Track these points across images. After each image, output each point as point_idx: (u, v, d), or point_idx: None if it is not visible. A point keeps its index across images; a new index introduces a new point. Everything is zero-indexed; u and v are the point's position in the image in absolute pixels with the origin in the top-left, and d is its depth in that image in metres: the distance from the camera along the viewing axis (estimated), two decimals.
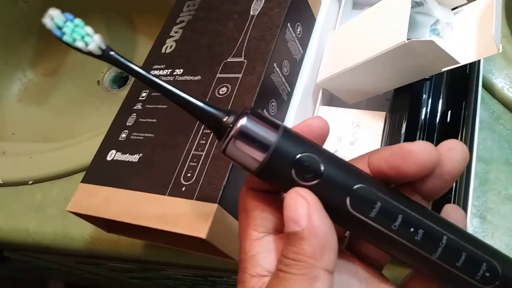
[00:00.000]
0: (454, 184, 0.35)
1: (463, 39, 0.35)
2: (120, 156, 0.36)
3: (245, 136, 0.19)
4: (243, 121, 0.19)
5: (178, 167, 0.33)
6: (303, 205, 0.18)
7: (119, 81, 0.76)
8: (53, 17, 0.21)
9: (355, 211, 0.19)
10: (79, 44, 0.21)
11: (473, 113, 0.37)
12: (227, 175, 0.31)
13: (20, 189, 0.50)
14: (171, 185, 0.33)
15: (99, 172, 0.37)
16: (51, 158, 0.51)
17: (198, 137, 0.34)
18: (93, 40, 0.21)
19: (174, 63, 0.40)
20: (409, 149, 0.19)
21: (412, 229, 0.19)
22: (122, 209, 0.33)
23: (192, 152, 0.34)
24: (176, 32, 0.43)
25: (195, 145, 0.34)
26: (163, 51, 0.42)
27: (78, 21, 0.21)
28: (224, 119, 0.20)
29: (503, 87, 0.44)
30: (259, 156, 0.19)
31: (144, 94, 0.40)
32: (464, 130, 0.36)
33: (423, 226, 0.19)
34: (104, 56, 0.21)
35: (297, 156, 0.19)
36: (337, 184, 0.19)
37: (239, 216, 0.22)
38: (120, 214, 0.33)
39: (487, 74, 0.43)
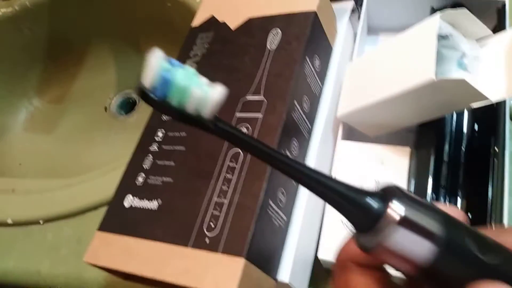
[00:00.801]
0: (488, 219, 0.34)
1: (491, 73, 0.34)
2: (138, 203, 0.35)
3: (409, 224, 0.16)
4: (400, 206, 0.16)
5: (200, 215, 0.32)
6: None
7: (126, 106, 0.74)
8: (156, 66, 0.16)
9: None
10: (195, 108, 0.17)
11: (502, 149, 0.35)
12: (253, 226, 0.30)
13: (30, 229, 0.49)
14: (194, 235, 0.31)
15: (116, 220, 0.35)
16: (62, 196, 0.49)
17: (220, 182, 0.33)
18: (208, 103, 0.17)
19: None
20: None
21: None
22: (143, 261, 0.32)
23: (214, 199, 0.32)
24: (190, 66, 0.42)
25: (217, 191, 0.32)
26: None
27: (190, 70, 0.17)
28: (371, 204, 0.16)
29: None
30: (429, 247, 0.15)
31: (160, 134, 0.38)
32: (494, 168, 0.35)
33: None
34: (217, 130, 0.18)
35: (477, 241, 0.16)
36: None
37: None
38: (141, 267, 0.31)
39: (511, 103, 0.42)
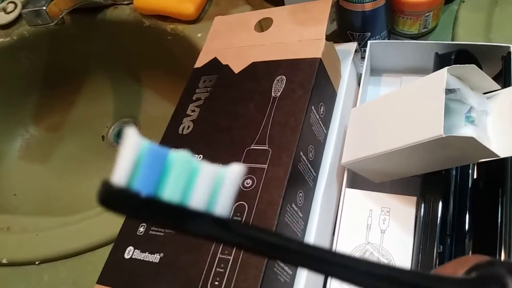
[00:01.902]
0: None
1: (499, 128, 0.34)
2: (139, 255, 0.34)
3: None
4: None
5: (204, 272, 0.31)
6: None
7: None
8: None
9: None
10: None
11: (510, 199, 0.35)
12: (259, 287, 0.29)
13: (26, 270, 0.47)
14: None
15: (116, 272, 0.34)
16: (59, 236, 0.48)
17: None
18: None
19: (193, 147, 0.38)
20: None
21: None
22: None
23: (218, 256, 0.31)
24: (193, 111, 0.41)
25: (221, 247, 0.32)
26: (180, 131, 0.40)
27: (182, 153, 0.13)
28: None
29: None
30: None
31: None
32: (504, 219, 0.34)
33: None
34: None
35: None
36: None
37: None
38: None
39: None
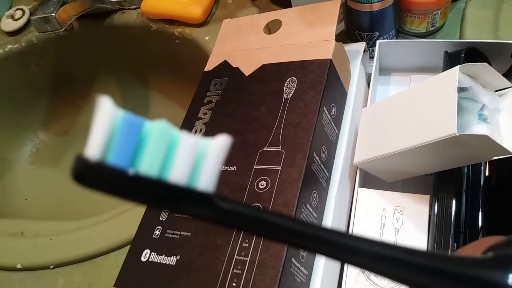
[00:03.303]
0: None
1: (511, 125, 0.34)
2: (155, 257, 0.34)
3: None
4: None
5: (221, 274, 0.31)
6: None
7: None
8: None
9: None
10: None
11: None
12: (277, 287, 0.29)
13: (40, 274, 0.48)
14: None
15: (133, 275, 0.34)
16: (73, 240, 0.48)
17: (240, 238, 0.32)
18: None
19: None
20: None
21: None
22: None
23: (235, 257, 0.32)
24: (205, 114, 0.41)
25: (237, 248, 0.32)
26: (192, 132, 0.41)
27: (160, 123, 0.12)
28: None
29: None
30: None
31: None
32: None
33: None
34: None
35: None
36: None
37: None
38: None
39: None
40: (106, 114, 0.12)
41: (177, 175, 0.12)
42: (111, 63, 0.71)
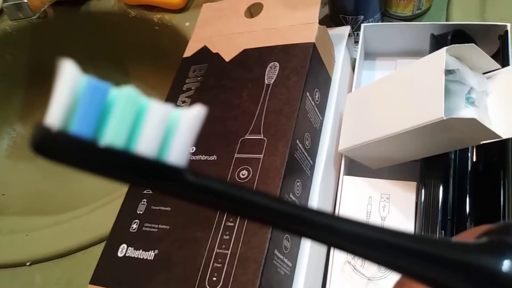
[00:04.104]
0: None
1: (500, 108, 0.33)
2: (133, 252, 0.33)
3: None
4: None
5: (201, 268, 0.30)
6: None
7: None
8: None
9: None
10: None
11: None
12: (259, 281, 0.28)
13: (17, 271, 0.46)
14: None
15: (110, 271, 0.33)
16: (50, 236, 0.47)
17: (221, 231, 0.31)
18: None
19: None
20: None
21: None
22: None
23: (215, 250, 0.30)
24: (183, 102, 0.40)
25: (218, 241, 0.31)
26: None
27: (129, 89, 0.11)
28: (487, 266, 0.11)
29: None
30: None
31: None
32: (506, 202, 0.34)
33: None
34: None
35: None
36: None
37: None
38: None
39: None
40: (68, 79, 0.11)
41: (145, 146, 0.11)
42: (88, 52, 0.69)
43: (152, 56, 0.64)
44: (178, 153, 0.12)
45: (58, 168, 0.49)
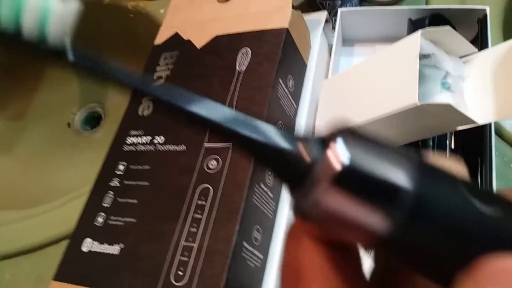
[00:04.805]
0: None
1: (477, 93, 0.32)
2: (97, 247, 0.32)
3: (357, 174, 0.10)
4: (344, 151, 0.11)
5: (167, 262, 0.29)
6: None
7: (91, 122, 0.70)
8: None
9: None
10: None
11: (490, 168, 0.33)
12: (226, 274, 0.27)
13: None
14: (159, 286, 0.28)
15: (74, 267, 0.32)
16: (21, 230, 0.45)
17: (188, 223, 0.30)
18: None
19: (154, 129, 0.36)
20: None
21: None
22: None
23: (181, 243, 0.29)
24: None
25: (184, 234, 0.29)
26: (139, 113, 0.37)
27: None
28: (301, 151, 0.11)
29: None
30: (389, 212, 0.10)
31: (121, 167, 0.35)
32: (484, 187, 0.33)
33: None
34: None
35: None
36: None
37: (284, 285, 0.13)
38: None
39: None
40: None
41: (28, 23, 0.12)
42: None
43: (127, 46, 0.62)
44: (55, 36, 0.13)
45: (33, 160, 0.47)
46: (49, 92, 0.72)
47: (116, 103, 0.69)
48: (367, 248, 0.12)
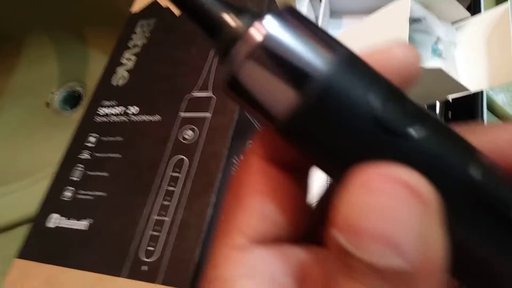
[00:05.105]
0: None
1: (469, 60, 0.30)
2: (64, 222, 0.29)
3: (270, 54, 0.10)
4: (271, 25, 0.10)
5: (137, 238, 0.27)
6: (412, 209, 0.08)
7: (71, 101, 0.68)
8: None
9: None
10: None
11: None
12: (199, 249, 0.25)
13: None
14: (128, 262, 0.26)
15: (39, 244, 0.29)
16: None
17: (161, 196, 0.28)
18: None
19: (128, 99, 0.33)
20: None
21: None
22: None
23: (153, 217, 0.27)
24: (128, 59, 0.36)
25: (156, 207, 0.27)
26: (113, 83, 0.35)
27: None
28: (229, 20, 0.11)
29: (504, 103, 0.39)
30: (295, 94, 0.10)
31: (92, 139, 0.33)
32: None
33: None
34: None
35: (376, 96, 0.10)
36: (452, 154, 0.10)
37: (224, 205, 0.13)
38: None
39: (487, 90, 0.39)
40: None
41: None
42: (41, 17, 0.64)
43: (109, 21, 0.60)
44: None
45: (10, 141, 0.45)
46: (26, 70, 0.69)
47: (97, 83, 0.66)
48: (266, 126, 0.11)
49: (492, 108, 0.39)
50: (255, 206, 0.11)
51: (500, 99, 0.39)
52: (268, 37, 0.10)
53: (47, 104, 0.68)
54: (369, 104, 0.10)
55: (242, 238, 0.11)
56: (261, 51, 0.10)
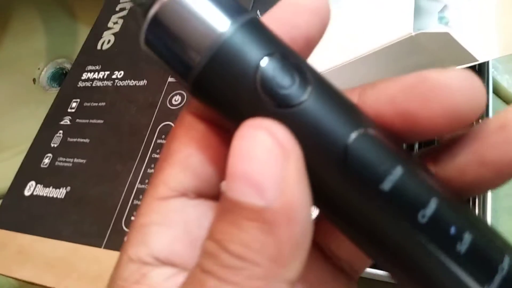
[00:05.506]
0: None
1: (477, 28, 0.28)
2: (41, 190, 0.27)
3: (171, 13, 0.11)
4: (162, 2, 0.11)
5: (119, 207, 0.25)
6: (273, 155, 0.09)
7: (59, 78, 0.65)
8: None
9: (355, 174, 0.10)
10: None
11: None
12: None
13: None
14: (109, 233, 0.24)
15: (14, 213, 0.28)
16: None
17: (145, 164, 0.26)
18: None
19: (113, 63, 0.31)
20: (437, 80, 0.10)
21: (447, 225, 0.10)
22: (42, 266, 0.24)
23: (136, 186, 0.25)
24: (115, 23, 0.34)
25: (140, 175, 0.25)
26: (98, 47, 0.33)
27: None
28: None
29: (509, 85, 0.37)
30: (197, 52, 0.11)
31: (74, 104, 0.31)
32: None
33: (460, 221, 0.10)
34: None
35: (264, 59, 0.10)
36: (331, 122, 0.10)
37: (159, 157, 0.13)
38: (38, 274, 0.24)
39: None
40: None
41: None
42: None
43: None
44: None
45: None
46: (12, 45, 0.67)
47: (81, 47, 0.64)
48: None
49: (497, 91, 0.38)
50: (180, 158, 0.12)
51: (505, 81, 0.37)
52: (154, 14, 0.11)
53: (34, 80, 0.65)
54: (256, 66, 0.10)
55: (165, 189, 0.12)
56: (165, 11, 0.11)
